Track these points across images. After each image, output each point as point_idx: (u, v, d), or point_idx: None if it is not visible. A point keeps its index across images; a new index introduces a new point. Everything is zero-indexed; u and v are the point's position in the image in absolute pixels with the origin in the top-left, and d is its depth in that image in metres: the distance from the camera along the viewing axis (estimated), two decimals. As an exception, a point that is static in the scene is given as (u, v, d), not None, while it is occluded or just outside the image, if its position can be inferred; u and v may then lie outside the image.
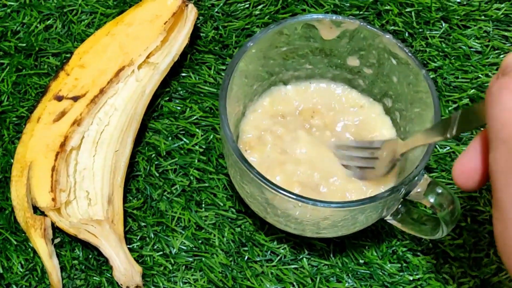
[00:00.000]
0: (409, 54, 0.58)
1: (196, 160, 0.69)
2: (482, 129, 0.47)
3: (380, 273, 0.65)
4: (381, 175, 0.60)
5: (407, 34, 0.75)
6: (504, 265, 0.42)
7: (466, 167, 0.45)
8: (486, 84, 0.72)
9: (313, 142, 0.63)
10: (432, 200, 0.54)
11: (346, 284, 0.64)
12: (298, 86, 0.67)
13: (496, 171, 0.40)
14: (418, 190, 0.55)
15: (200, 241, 0.66)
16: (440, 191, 0.54)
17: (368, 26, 0.60)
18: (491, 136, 0.41)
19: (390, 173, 0.61)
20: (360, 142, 0.63)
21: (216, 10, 0.77)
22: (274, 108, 0.66)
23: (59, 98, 0.67)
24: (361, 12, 0.76)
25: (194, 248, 0.65)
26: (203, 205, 0.67)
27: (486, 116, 0.41)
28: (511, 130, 0.39)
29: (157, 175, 0.68)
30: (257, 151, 0.63)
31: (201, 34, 0.75)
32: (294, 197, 0.52)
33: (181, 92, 0.73)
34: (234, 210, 0.67)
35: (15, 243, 0.65)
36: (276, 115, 0.66)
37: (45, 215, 0.64)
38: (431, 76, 0.72)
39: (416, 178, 0.54)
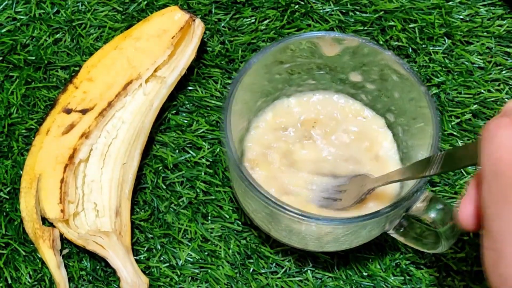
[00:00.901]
0: (408, 70, 0.59)
1: (203, 173, 0.70)
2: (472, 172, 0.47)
3: (384, 286, 0.65)
4: (347, 206, 0.61)
5: (410, 50, 0.76)
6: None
7: (469, 211, 0.45)
8: (488, 100, 0.73)
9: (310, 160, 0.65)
10: (433, 215, 0.55)
11: (350, 297, 0.65)
12: (300, 97, 0.68)
13: (488, 201, 0.41)
14: (419, 205, 0.55)
15: (206, 253, 0.67)
16: (441, 206, 0.55)
17: (369, 43, 0.61)
18: (484, 171, 0.41)
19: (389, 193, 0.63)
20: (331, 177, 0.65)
21: (222, 24, 0.78)
22: (277, 121, 0.67)
23: (68, 111, 0.68)
24: (365, 28, 0.77)
25: (200, 260, 0.66)
26: (209, 218, 0.68)
27: (480, 152, 0.42)
28: (505, 164, 0.40)
29: (164, 187, 0.69)
30: (264, 167, 0.64)
31: (208, 49, 0.76)
32: (297, 213, 0.53)
33: (188, 105, 0.74)
34: (239, 223, 0.68)
35: (24, 253, 0.66)
36: (278, 128, 0.66)
37: (54, 226, 0.65)
38: (434, 92, 0.73)
39: (418, 193, 0.55)
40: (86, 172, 0.67)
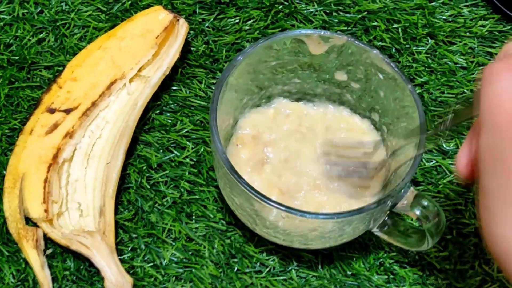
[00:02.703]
0: (396, 69, 0.59)
1: (187, 173, 0.70)
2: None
3: (368, 285, 0.65)
4: (370, 178, 0.62)
5: (394, 50, 0.76)
6: (491, 254, 0.40)
7: (468, 159, 0.44)
8: (471, 100, 0.74)
9: (302, 150, 0.65)
10: (418, 212, 0.55)
11: (334, 295, 0.65)
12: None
13: (484, 156, 0.39)
14: (404, 202, 0.55)
15: (190, 253, 0.67)
16: (425, 203, 0.55)
17: (356, 42, 0.61)
18: (482, 119, 0.40)
19: (374, 188, 0.63)
20: (350, 143, 0.65)
21: (206, 25, 0.78)
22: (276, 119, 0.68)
23: (52, 111, 0.67)
24: (349, 28, 0.77)
25: (184, 260, 0.66)
26: (194, 217, 0.68)
27: (480, 98, 0.40)
28: (505, 112, 0.38)
29: (148, 187, 0.69)
30: (248, 148, 0.64)
31: (192, 49, 0.76)
32: (283, 208, 0.53)
33: (172, 105, 0.74)
34: (224, 222, 0.68)
35: (7, 253, 0.66)
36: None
37: (37, 226, 0.64)
38: (418, 91, 0.74)
39: (403, 190, 0.55)
40: (70, 172, 0.67)
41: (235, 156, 0.65)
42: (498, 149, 0.38)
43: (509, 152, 0.38)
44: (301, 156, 0.65)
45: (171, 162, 0.71)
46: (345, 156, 0.63)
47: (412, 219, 0.66)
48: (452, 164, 0.70)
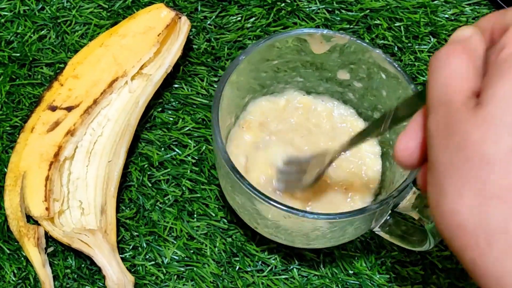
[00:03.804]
0: (398, 68, 0.59)
1: (189, 171, 0.70)
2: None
3: (369, 284, 0.65)
4: (306, 186, 0.61)
5: (396, 48, 0.76)
6: (440, 232, 0.40)
7: (409, 145, 0.43)
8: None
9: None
10: (419, 212, 0.55)
11: (336, 294, 0.65)
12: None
13: (433, 134, 0.39)
14: (407, 202, 0.55)
15: (191, 251, 0.66)
16: (427, 203, 0.55)
17: (358, 41, 0.61)
18: (431, 101, 0.39)
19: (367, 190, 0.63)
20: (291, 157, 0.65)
21: (208, 22, 0.78)
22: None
23: (53, 108, 0.67)
24: (351, 26, 0.77)
25: (186, 258, 0.66)
26: (195, 216, 0.68)
27: (427, 82, 0.40)
28: (454, 91, 0.38)
29: (150, 185, 0.69)
30: (253, 133, 0.64)
31: (194, 46, 0.76)
32: (284, 208, 0.53)
33: (174, 103, 0.73)
34: (225, 221, 0.68)
35: (8, 252, 0.66)
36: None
37: (39, 224, 0.64)
38: (421, 90, 0.73)
39: (405, 190, 0.55)
40: (71, 170, 0.66)
41: (239, 137, 0.65)
42: (447, 122, 0.38)
43: (459, 125, 0.37)
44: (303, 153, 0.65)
45: (173, 160, 0.70)
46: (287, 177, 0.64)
47: (414, 219, 0.65)
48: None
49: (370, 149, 0.66)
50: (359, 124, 0.67)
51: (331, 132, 0.66)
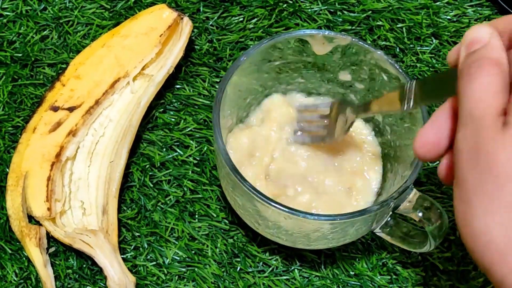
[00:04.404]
0: (400, 70, 0.59)
1: (190, 172, 0.70)
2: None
3: (370, 285, 0.65)
4: (333, 139, 0.62)
5: (398, 50, 0.76)
6: (467, 248, 0.40)
7: (430, 139, 0.44)
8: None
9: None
10: (420, 214, 0.55)
11: (337, 295, 0.65)
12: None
13: (463, 150, 0.40)
14: (407, 204, 0.55)
15: (193, 252, 0.67)
16: (428, 205, 0.55)
17: (360, 42, 0.61)
18: (462, 113, 0.40)
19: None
20: (309, 105, 0.65)
21: (210, 23, 0.78)
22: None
23: (55, 109, 0.67)
24: (353, 27, 0.77)
25: (187, 259, 0.66)
26: (197, 216, 0.68)
27: (458, 90, 0.41)
28: (485, 107, 0.39)
29: (151, 185, 0.69)
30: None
31: (196, 47, 0.76)
32: (285, 209, 0.53)
33: (176, 104, 0.74)
34: (227, 221, 0.68)
35: (10, 252, 0.66)
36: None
37: (40, 225, 0.64)
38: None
39: (405, 192, 0.55)
40: (73, 170, 0.67)
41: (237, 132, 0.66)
42: (477, 140, 0.39)
43: (487, 144, 0.38)
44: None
45: (174, 161, 0.71)
46: (308, 121, 0.64)
47: (415, 220, 0.65)
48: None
49: (371, 149, 0.66)
50: (359, 125, 0.67)
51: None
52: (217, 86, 0.74)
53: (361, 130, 0.67)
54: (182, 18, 0.72)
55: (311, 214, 0.53)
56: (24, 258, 0.66)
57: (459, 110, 0.41)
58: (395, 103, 0.52)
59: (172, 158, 0.71)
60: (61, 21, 0.77)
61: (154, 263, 0.66)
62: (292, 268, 0.66)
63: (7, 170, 0.68)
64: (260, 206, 0.56)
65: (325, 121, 0.63)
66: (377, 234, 0.61)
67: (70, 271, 0.65)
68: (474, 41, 0.42)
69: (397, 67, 0.59)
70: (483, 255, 0.39)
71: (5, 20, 0.77)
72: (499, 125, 0.38)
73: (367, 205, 0.63)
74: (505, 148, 0.38)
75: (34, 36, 0.77)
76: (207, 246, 0.67)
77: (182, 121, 0.72)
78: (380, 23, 0.77)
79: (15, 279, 0.65)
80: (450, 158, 0.43)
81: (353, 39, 0.61)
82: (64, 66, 0.74)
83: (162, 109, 0.73)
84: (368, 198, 0.64)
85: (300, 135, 0.65)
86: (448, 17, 0.78)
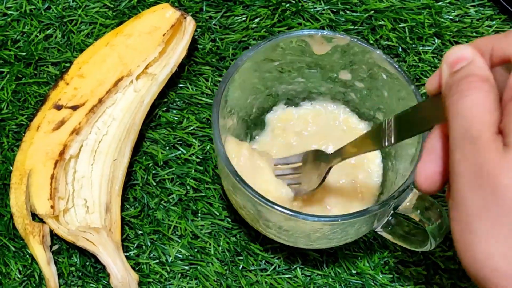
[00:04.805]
0: (399, 69, 0.59)
1: (193, 170, 0.70)
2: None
3: (372, 284, 0.66)
4: (311, 189, 0.61)
5: (400, 49, 0.76)
6: (468, 273, 0.39)
7: (429, 171, 0.43)
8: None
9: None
10: (420, 214, 0.55)
11: (338, 294, 0.66)
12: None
13: (463, 172, 0.38)
14: (407, 204, 0.55)
15: (196, 250, 0.67)
16: (428, 205, 0.55)
17: (359, 42, 0.61)
18: (456, 133, 0.39)
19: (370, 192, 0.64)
20: (281, 159, 0.65)
21: (213, 22, 0.78)
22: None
23: (59, 107, 0.68)
24: (355, 27, 0.77)
25: (190, 257, 0.67)
26: (199, 215, 0.69)
27: (448, 109, 0.39)
28: (481, 125, 0.38)
29: (154, 184, 0.70)
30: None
31: (199, 46, 0.77)
32: (285, 211, 0.53)
33: (179, 102, 0.74)
34: (229, 220, 0.68)
35: (14, 249, 0.66)
36: None
37: (44, 222, 0.65)
38: (424, 91, 0.74)
39: (405, 192, 0.55)
40: (77, 168, 0.67)
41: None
42: (477, 165, 0.37)
43: (488, 168, 0.37)
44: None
45: (177, 160, 0.71)
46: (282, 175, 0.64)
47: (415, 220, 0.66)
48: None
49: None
50: (353, 120, 0.68)
51: (344, 135, 0.67)
52: (219, 85, 0.74)
53: (356, 125, 0.68)
54: (185, 17, 0.72)
55: (311, 216, 0.53)
56: (27, 256, 0.66)
57: (450, 131, 0.39)
58: (375, 142, 0.51)
59: (175, 156, 0.71)
60: (65, 20, 0.78)
61: (157, 261, 0.66)
62: (294, 266, 0.66)
63: (11, 168, 0.68)
64: (261, 207, 0.56)
65: (299, 173, 0.63)
66: (379, 233, 0.62)
67: (73, 268, 0.66)
68: (458, 60, 0.41)
69: (396, 66, 0.59)
70: (487, 281, 0.38)
71: (9, 19, 0.78)
72: (500, 145, 0.37)
73: (371, 198, 0.63)
74: (508, 172, 0.36)
75: (38, 35, 0.77)
76: (210, 244, 0.67)
77: (185, 120, 0.73)
78: (382, 22, 0.78)
79: (19, 276, 0.66)
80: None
81: (352, 39, 0.61)
82: (67, 65, 0.75)
83: (165, 108, 0.73)
84: (372, 191, 0.64)
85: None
86: (450, 17, 0.79)
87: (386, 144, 0.49)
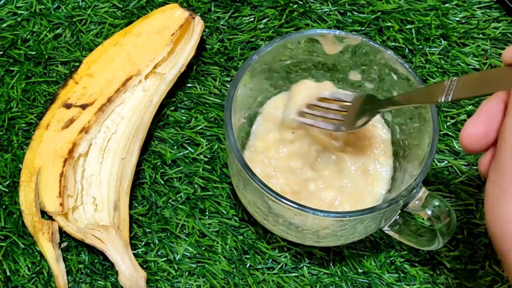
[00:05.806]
0: (409, 70, 0.60)
1: (201, 169, 0.71)
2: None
3: (378, 283, 0.66)
4: (350, 130, 0.61)
5: (407, 50, 0.77)
6: (489, 231, 0.41)
7: (476, 131, 0.43)
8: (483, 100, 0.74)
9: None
10: (429, 212, 0.56)
11: (345, 293, 0.66)
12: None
13: (508, 139, 0.40)
14: (416, 202, 0.56)
15: (203, 248, 0.67)
16: (437, 203, 0.55)
17: (370, 42, 0.62)
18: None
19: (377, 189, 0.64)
20: (331, 94, 0.64)
21: (222, 23, 0.78)
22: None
23: (68, 106, 0.68)
24: (362, 28, 0.78)
25: (197, 255, 0.67)
26: (207, 213, 0.69)
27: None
28: None
29: (163, 182, 0.70)
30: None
31: (207, 46, 0.77)
32: (296, 206, 0.54)
33: (187, 102, 0.74)
34: (237, 219, 0.69)
35: (23, 246, 0.67)
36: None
37: (53, 220, 0.65)
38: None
39: (415, 190, 0.55)
40: (86, 167, 0.67)
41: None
42: None
43: None
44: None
45: (185, 159, 0.71)
46: (326, 108, 0.63)
47: (423, 218, 0.66)
48: (464, 165, 0.71)
49: (379, 135, 0.66)
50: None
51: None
52: (227, 85, 0.75)
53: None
54: (193, 18, 0.73)
55: (321, 211, 0.54)
56: (36, 253, 0.66)
57: (510, 99, 0.41)
58: (431, 96, 0.51)
59: (183, 155, 0.71)
60: (74, 19, 0.78)
61: (165, 259, 0.67)
62: (301, 265, 0.67)
63: (20, 166, 0.69)
64: (271, 202, 0.56)
65: (346, 111, 0.62)
66: (386, 232, 0.62)
67: (82, 266, 0.66)
68: None
69: (407, 67, 0.60)
70: (504, 241, 0.39)
71: (19, 19, 0.78)
72: None
73: (381, 192, 0.63)
74: None
75: (47, 34, 0.77)
76: (217, 242, 0.67)
77: (193, 119, 0.73)
78: (389, 24, 0.78)
79: (28, 273, 0.66)
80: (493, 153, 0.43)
81: (364, 39, 0.61)
82: (77, 64, 0.75)
83: (173, 107, 0.74)
84: (382, 185, 0.64)
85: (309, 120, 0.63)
86: (457, 18, 0.79)
87: (443, 100, 0.49)
